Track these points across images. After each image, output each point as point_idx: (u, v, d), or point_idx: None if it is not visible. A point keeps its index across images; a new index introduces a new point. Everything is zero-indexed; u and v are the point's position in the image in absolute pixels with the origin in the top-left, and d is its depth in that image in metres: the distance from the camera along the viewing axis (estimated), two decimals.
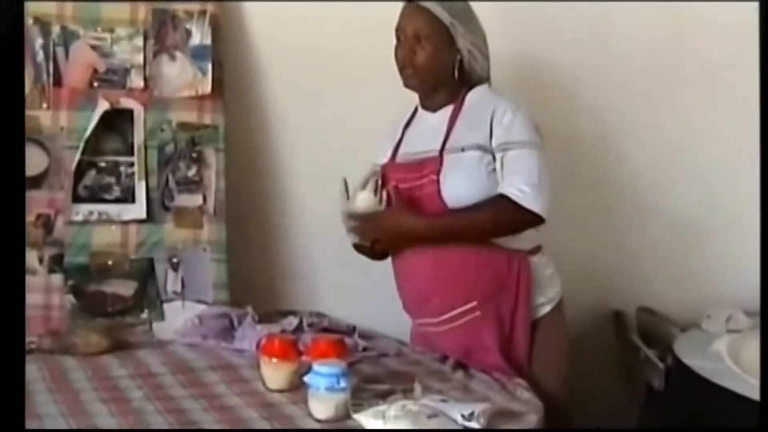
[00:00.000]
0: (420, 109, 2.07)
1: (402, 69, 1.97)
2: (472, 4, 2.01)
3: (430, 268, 1.94)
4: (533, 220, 1.87)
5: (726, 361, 2.05)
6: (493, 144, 1.90)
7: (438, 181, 1.90)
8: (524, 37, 2.48)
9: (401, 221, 1.93)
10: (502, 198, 1.86)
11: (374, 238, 1.98)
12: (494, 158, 1.90)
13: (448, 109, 1.99)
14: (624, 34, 2.55)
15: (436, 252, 1.92)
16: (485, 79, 2.01)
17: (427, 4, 1.93)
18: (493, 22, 2.06)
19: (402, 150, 2.05)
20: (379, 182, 1.98)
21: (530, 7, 2.47)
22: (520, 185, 1.85)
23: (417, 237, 1.92)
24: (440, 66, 1.95)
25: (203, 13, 2.21)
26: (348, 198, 1.99)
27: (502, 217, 1.88)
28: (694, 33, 2.57)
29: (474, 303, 1.91)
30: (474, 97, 1.99)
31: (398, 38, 1.97)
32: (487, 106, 1.95)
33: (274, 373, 1.68)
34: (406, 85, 1.98)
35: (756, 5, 2.24)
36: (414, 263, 1.97)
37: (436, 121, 2.00)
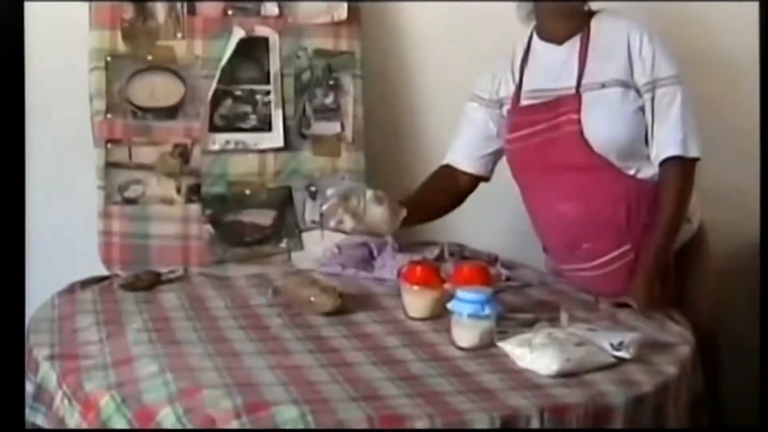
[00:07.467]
0: (538, 42, 1.92)
1: None
2: None
3: (579, 216, 1.81)
4: (696, 161, 1.78)
5: None
6: (637, 80, 1.78)
7: (579, 120, 1.79)
8: None
9: (653, 283, 1.75)
10: (675, 161, 1.75)
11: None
12: (638, 94, 1.78)
13: (575, 41, 1.85)
14: None
15: (585, 199, 1.79)
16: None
17: None
18: None
19: (526, 88, 1.90)
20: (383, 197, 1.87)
21: None
22: (680, 135, 1.75)
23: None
24: None
25: None
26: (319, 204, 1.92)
27: (687, 179, 1.78)
28: None
29: (628, 246, 1.80)
30: (600, 25, 1.85)
31: None
32: (618, 35, 1.82)
33: (416, 301, 1.66)
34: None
35: None
36: (561, 210, 1.83)
37: (563, 54, 1.86)
